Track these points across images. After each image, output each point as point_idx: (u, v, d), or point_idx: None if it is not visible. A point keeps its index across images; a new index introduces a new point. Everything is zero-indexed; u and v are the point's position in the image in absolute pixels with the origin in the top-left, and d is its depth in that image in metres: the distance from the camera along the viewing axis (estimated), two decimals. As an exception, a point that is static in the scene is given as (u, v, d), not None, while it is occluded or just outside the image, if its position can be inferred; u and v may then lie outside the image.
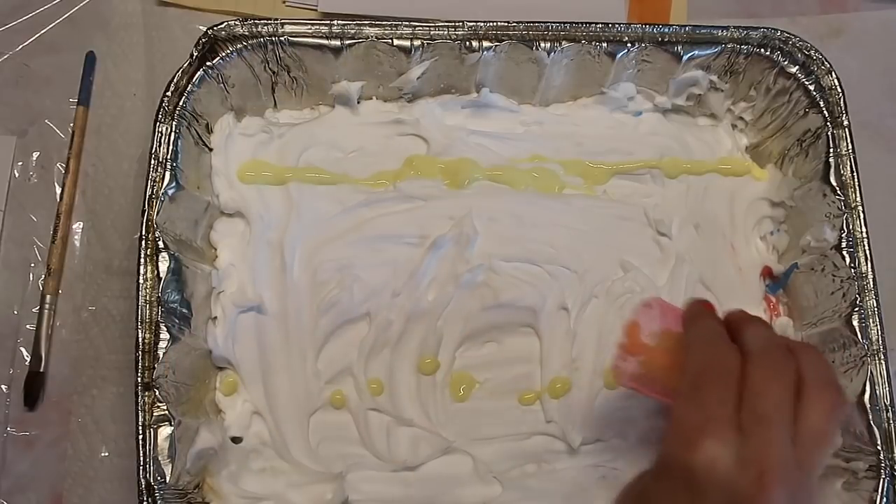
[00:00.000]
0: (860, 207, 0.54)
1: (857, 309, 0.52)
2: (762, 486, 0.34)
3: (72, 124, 0.61)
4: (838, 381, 0.39)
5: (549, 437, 0.54)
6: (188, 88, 0.52)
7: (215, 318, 0.53)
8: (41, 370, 0.55)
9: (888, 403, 0.51)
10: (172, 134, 0.52)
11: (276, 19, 0.54)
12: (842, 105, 0.56)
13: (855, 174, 0.55)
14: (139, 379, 0.48)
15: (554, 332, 0.55)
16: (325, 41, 0.54)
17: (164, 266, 0.50)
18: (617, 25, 0.56)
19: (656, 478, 0.37)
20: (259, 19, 0.54)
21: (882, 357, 0.52)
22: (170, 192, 0.51)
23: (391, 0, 0.62)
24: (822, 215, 0.55)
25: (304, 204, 0.56)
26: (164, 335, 0.49)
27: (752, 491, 0.34)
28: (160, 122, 0.52)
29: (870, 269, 0.53)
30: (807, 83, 0.56)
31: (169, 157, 0.51)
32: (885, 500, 0.49)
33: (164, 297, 0.49)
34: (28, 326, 0.57)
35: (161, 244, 0.50)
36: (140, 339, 0.48)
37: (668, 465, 0.36)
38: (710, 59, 0.57)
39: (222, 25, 0.54)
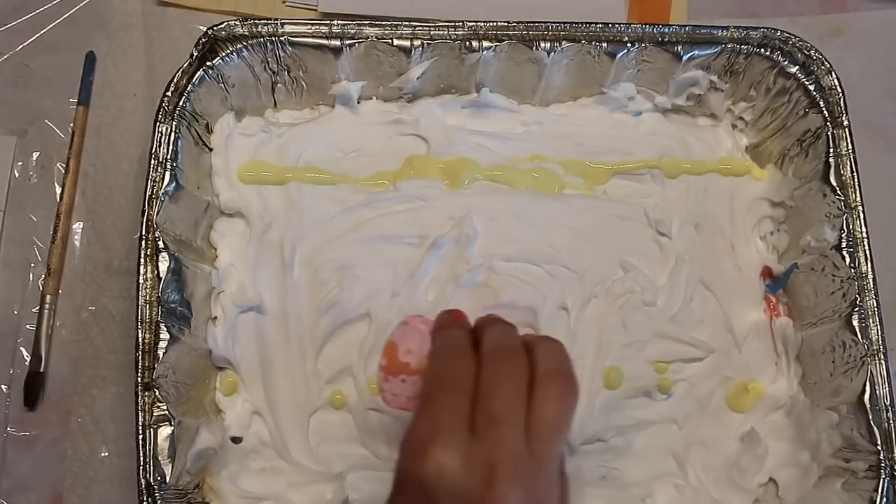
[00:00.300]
0: (860, 207, 0.54)
1: (857, 309, 0.52)
2: (491, 484, 0.34)
3: (72, 124, 0.61)
4: (570, 368, 0.39)
5: (549, 437, 0.54)
6: (188, 88, 0.52)
7: (215, 318, 0.53)
8: (41, 370, 0.55)
9: (888, 403, 0.51)
10: (172, 134, 0.52)
11: (276, 19, 0.54)
12: (842, 105, 0.56)
13: (855, 174, 0.55)
14: (139, 379, 0.48)
15: (554, 332, 0.55)
16: (325, 41, 0.54)
17: (164, 266, 0.50)
18: (617, 25, 0.56)
19: (394, 496, 0.36)
20: (259, 19, 0.54)
21: (882, 357, 0.52)
22: (170, 192, 0.51)
23: (391, 0, 0.63)
24: (822, 215, 0.55)
25: (304, 204, 0.56)
26: (164, 335, 0.49)
27: (482, 490, 0.34)
28: (160, 122, 0.52)
29: (870, 269, 0.53)
30: (807, 83, 0.56)
31: (169, 157, 0.51)
32: (885, 500, 0.49)
33: (164, 297, 0.49)
34: (28, 326, 0.57)
35: (161, 244, 0.50)
36: (140, 339, 0.48)
37: (402, 481, 0.36)
38: (710, 59, 0.57)
39: (222, 25, 0.54)
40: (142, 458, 0.47)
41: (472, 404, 0.37)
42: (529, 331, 0.55)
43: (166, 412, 0.48)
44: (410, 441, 0.36)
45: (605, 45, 0.56)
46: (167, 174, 0.51)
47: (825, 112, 0.56)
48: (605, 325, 0.56)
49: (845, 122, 0.56)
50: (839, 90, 0.56)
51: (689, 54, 0.57)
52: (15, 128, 0.61)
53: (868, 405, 0.51)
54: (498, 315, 0.43)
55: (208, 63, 0.53)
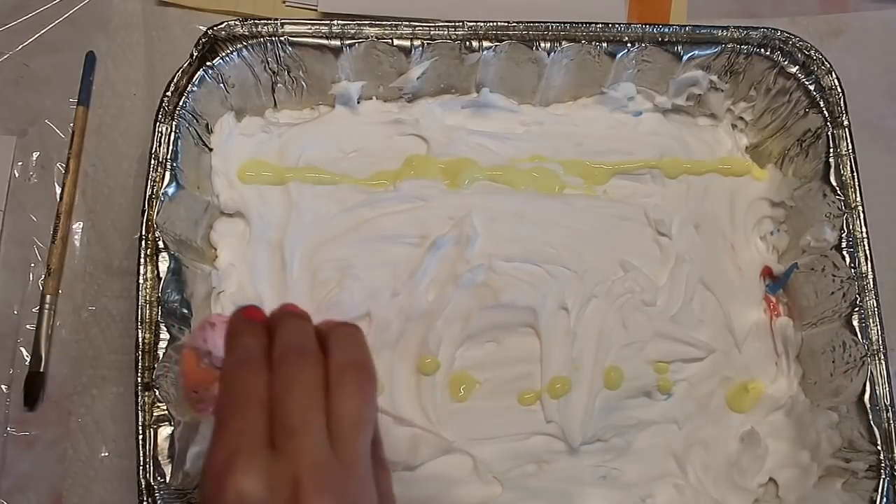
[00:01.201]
0: (860, 207, 0.54)
1: (857, 309, 0.52)
2: (298, 499, 0.32)
3: (72, 124, 0.61)
4: (364, 355, 0.37)
5: (549, 437, 0.54)
6: (188, 88, 0.52)
7: (215, 318, 0.53)
8: (41, 370, 0.55)
9: (888, 403, 0.51)
10: (172, 134, 0.52)
11: (276, 19, 0.54)
12: (842, 105, 0.56)
13: (855, 174, 0.55)
14: (139, 379, 0.48)
15: (554, 332, 0.55)
16: (325, 41, 0.54)
17: (164, 266, 0.50)
18: (617, 25, 0.56)
19: None
20: (259, 19, 0.54)
21: (882, 357, 0.52)
22: (170, 192, 0.51)
23: (391, 0, 0.62)
24: (822, 215, 0.55)
25: (304, 204, 0.56)
26: (164, 335, 0.49)
27: None
28: (160, 122, 0.52)
29: (870, 269, 0.53)
30: (807, 83, 0.56)
31: (169, 157, 0.51)
32: (885, 500, 0.49)
33: (164, 297, 0.49)
34: (28, 326, 0.57)
35: (161, 244, 0.50)
36: (140, 339, 0.48)
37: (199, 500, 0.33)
38: (710, 59, 0.57)
39: (222, 25, 0.54)
40: (142, 458, 0.47)
41: (268, 418, 0.34)
42: (530, 331, 0.55)
43: (166, 412, 0.48)
44: (207, 471, 0.33)
45: (605, 45, 0.56)
46: (167, 174, 0.51)
47: (825, 112, 0.56)
48: (605, 325, 0.56)
49: (845, 122, 0.56)
50: (839, 90, 0.56)
51: (689, 54, 0.57)
52: (15, 128, 0.61)
53: (868, 405, 0.51)
54: (293, 305, 0.40)
55: (208, 63, 0.53)
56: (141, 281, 0.49)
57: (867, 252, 0.54)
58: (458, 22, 0.55)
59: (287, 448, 0.33)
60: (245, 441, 0.33)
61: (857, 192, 0.55)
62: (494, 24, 0.55)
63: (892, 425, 0.51)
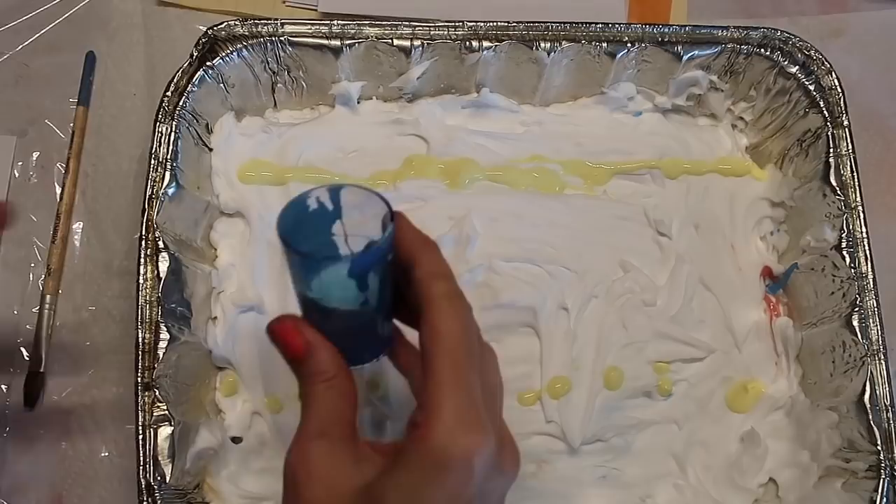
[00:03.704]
0: (860, 207, 0.54)
1: (857, 309, 0.52)
2: (515, 461, 0.36)
3: (72, 124, 0.61)
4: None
5: (549, 437, 0.54)
6: (188, 88, 0.52)
7: (215, 318, 0.53)
8: (41, 370, 0.55)
9: (888, 403, 0.51)
10: (172, 134, 0.52)
11: (276, 19, 0.54)
12: (842, 105, 0.56)
13: (855, 174, 0.55)
14: (139, 379, 0.48)
15: (554, 332, 0.55)
16: (325, 41, 0.54)
17: (164, 266, 0.50)
18: (617, 25, 0.56)
19: (431, 478, 0.33)
20: (259, 19, 0.54)
21: (882, 357, 0.52)
22: (170, 192, 0.51)
23: (391, 0, 0.63)
24: (822, 215, 0.55)
25: (304, 204, 0.56)
26: (164, 335, 0.49)
27: (510, 466, 0.36)
28: (160, 122, 0.52)
29: (870, 269, 0.53)
30: (807, 83, 0.56)
31: (169, 157, 0.51)
32: (885, 500, 0.49)
33: (164, 297, 0.49)
34: (28, 326, 0.57)
35: (161, 244, 0.50)
36: (140, 339, 0.48)
37: (448, 464, 0.33)
38: (710, 59, 0.57)
39: (222, 25, 0.54)
40: (142, 458, 0.47)
41: None
42: (530, 331, 0.55)
43: (166, 412, 0.48)
44: (452, 417, 0.33)
45: (605, 45, 0.56)
46: (167, 174, 0.51)
47: (825, 112, 0.56)
48: (605, 325, 0.56)
49: (845, 122, 0.56)
50: (839, 90, 0.56)
51: (689, 54, 0.57)
52: (15, 128, 0.61)
53: (868, 405, 0.51)
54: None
55: (208, 63, 0.53)
56: (141, 281, 0.49)
57: (867, 252, 0.54)
58: (458, 22, 0.55)
59: (492, 410, 0.36)
60: (479, 392, 0.35)
61: (857, 192, 0.55)
62: (494, 24, 0.55)
63: (892, 425, 0.51)
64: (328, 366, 0.38)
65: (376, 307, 0.38)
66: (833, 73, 0.56)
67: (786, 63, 0.57)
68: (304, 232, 0.37)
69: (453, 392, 0.34)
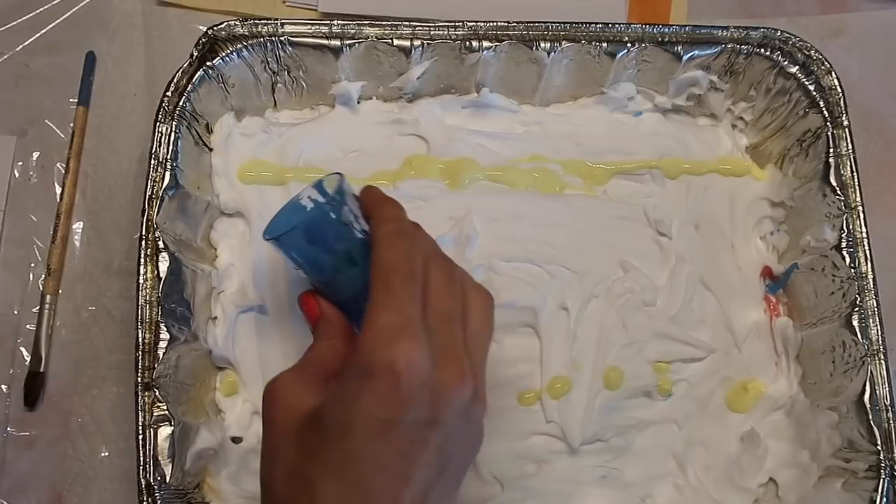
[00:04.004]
0: (860, 207, 0.54)
1: (857, 309, 0.52)
2: (460, 376, 0.37)
3: (72, 124, 0.61)
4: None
5: (549, 437, 0.54)
6: (188, 88, 0.52)
7: (215, 318, 0.53)
8: (41, 370, 0.55)
9: (888, 403, 0.51)
10: (172, 134, 0.52)
11: (276, 19, 0.54)
12: (842, 105, 0.56)
13: (855, 174, 0.55)
14: (139, 379, 0.48)
15: (554, 332, 0.55)
16: (325, 41, 0.54)
17: (164, 266, 0.50)
18: (617, 25, 0.56)
19: (357, 385, 0.36)
20: (259, 19, 0.54)
21: (882, 357, 0.52)
22: (170, 192, 0.51)
23: (391, 0, 0.63)
24: (822, 215, 0.55)
25: (304, 204, 0.56)
26: (164, 335, 0.49)
27: (452, 382, 0.36)
28: (160, 122, 0.52)
29: (870, 269, 0.53)
30: (807, 83, 0.56)
31: (169, 157, 0.51)
32: (885, 500, 0.49)
33: (164, 297, 0.49)
34: (28, 326, 0.57)
35: (161, 244, 0.50)
36: (140, 339, 0.48)
37: (373, 372, 0.35)
38: (710, 59, 0.57)
39: (222, 25, 0.54)
40: (142, 458, 0.47)
41: (423, 298, 0.38)
42: (530, 331, 0.55)
43: (166, 412, 0.48)
44: (380, 330, 0.36)
45: (605, 45, 0.56)
46: (167, 174, 0.51)
47: (825, 112, 0.56)
48: (605, 325, 0.56)
49: (845, 122, 0.56)
50: (839, 90, 0.56)
51: (689, 54, 0.57)
52: (15, 128, 0.61)
53: (868, 405, 0.51)
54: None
55: (208, 63, 0.53)
56: (141, 281, 0.49)
57: (867, 252, 0.54)
58: (458, 22, 0.55)
59: (442, 331, 0.37)
60: (413, 310, 0.37)
61: (857, 192, 0.55)
62: (494, 24, 0.55)
63: (892, 425, 0.51)
64: (331, 328, 0.43)
65: (352, 273, 0.43)
66: (833, 73, 0.56)
67: (786, 63, 0.57)
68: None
69: (383, 310, 0.37)
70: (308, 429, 0.37)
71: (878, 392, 0.51)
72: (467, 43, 0.55)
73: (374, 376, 0.35)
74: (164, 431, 0.47)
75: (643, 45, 0.56)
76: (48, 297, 0.57)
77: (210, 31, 0.53)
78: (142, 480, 0.47)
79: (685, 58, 0.57)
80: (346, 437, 0.35)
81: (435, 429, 0.36)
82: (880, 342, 0.52)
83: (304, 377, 0.40)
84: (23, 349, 0.56)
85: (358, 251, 0.44)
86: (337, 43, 0.54)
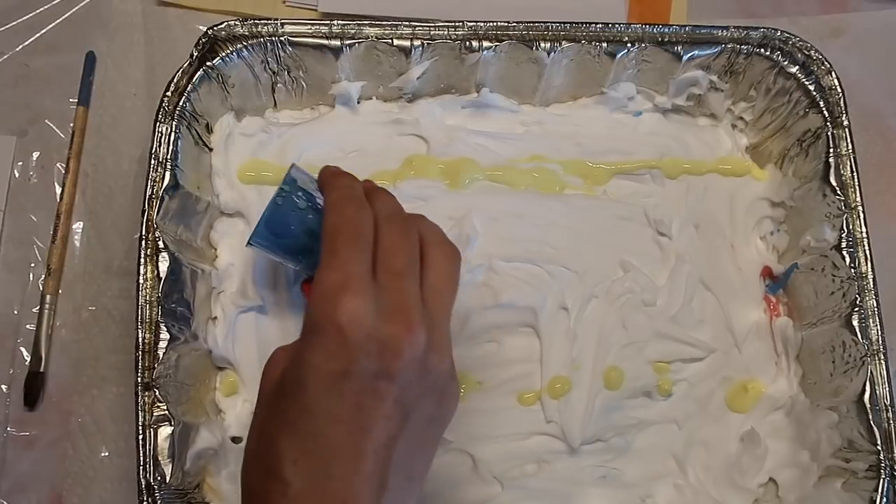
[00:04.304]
0: (860, 207, 0.54)
1: (857, 309, 0.52)
2: (408, 327, 0.37)
3: (72, 124, 0.61)
4: (450, 240, 0.43)
5: (549, 437, 0.54)
6: (188, 88, 0.52)
7: (215, 318, 0.53)
8: (41, 370, 0.55)
9: (888, 403, 0.51)
10: (172, 134, 0.52)
11: (276, 19, 0.54)
12: (842, 105, 0.56)
13: (855, 174, 0.55)
14: (139, 379, 0.48)
15: (554, 332, 0.55)
16: (325, 41, 0.54)
17: (164, 266, 0.50)
18: (617, 25, 0.56)
19: (307, 343, 0.37)
20: (259, 19, 0.54)
21: (882, 357, 0.52)
22: (170, 192, 0.51)
23: (391, 0, 0.62)
24: (822, 215, 0.55)
25: (304, 204, 0.56)
26: (164, 335, 0.49)
27: (399, 332, 0.37)
28: (160, 122, 0.52)
29: (870, 269, 0.53)
30: (807, 83, 0.56)
31: (169, 157, 0.51)
32: (885, 500, 0.49)
33: (164, 297, 0.49)
34: (28, 326, 0.57)
35: (161, 244, 0.50)
36: (140, 339, 0.48)
37: (318, 328, 0.37)
38: (710, 59, 0.57)
39: (222, 25, 0.54)
40: (142, 458, 0.47)
41: (372, 256, 0.39)
42: (530, 331, 0.55)
43: (166, 412, 0.48)
44: (323, 288, 0.37)
45: (605, 45, 0.56)
46: (167, 174, 0.51)
47: (825, 112, 0.56)
48: (606, 325, 0.56)
49: (845, 122, 0.56)
50: (839, 90, 0.56)
51: (689, 54, 0.57)
52: (15, 128, 0.61)
53: (868, 405, 0.51)
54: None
55: (208, 63, 0.53)
56: (141, 281, 0.49)
57: (867, 252, 0.54)
58: (458, 22, 0.55)
59: (392, 286, 0.38)
60: (358, 268, 0.38)
61: (857, 192, 0.55)
62: (494, 24, 0.55)
63: (892, 425, 0.51)
64: None
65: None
66: (833, 73, 0.56)
67: (786, 63, 0.57)
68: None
69: (327, 270, 0.38)
70: (273, 391, 0.39)
71: (878, 392, 0.51)
72: (467, 43, 0.55)
73: (320, 332, 0.37)
74: (164, 431, 0.47)
75: (643, 45, 0.56)
76: (48, 297, 0.57)
77: (210, 31, 0.53)
78: (142, 480, 0.47)
79: (685, 58, 0.57)
80: (300, 393, 0.37)
81: (387, 380, 0.37)
82: (880, 342, 0.52)
83: (290, 348, 0.41)
84: (23, 349, 0.56)
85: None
86: (337, 43, 0.54)
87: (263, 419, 0.39)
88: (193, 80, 0.53)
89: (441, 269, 0.41)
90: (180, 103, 0.52)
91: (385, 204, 0.43)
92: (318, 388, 0.36)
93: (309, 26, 0.54)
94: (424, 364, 0.38)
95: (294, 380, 0.37)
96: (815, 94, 0.56)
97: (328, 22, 0.55)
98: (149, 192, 0.50)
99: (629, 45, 0.56)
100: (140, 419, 0.47)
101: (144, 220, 0.50)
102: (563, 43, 0.56)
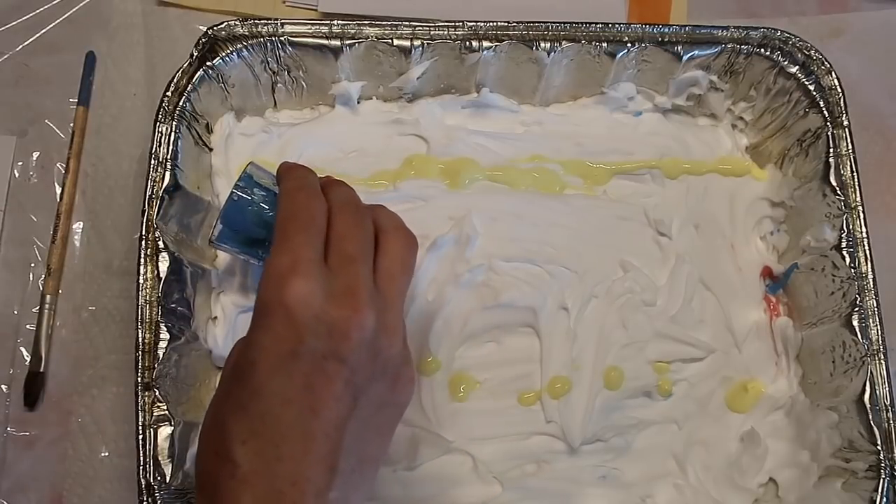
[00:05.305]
0: (860, 207, 0.54)
1: (857, 309, 0.52)
2: (356, 309, 0.37)
3: (72, 124, 0.61)
4: (407, 228, 0.44)
5: (549, 437, 0.54)
6: (188, 88, 0.52)
7: (215, 318, 0.53)
8: (41, 370, 0.55)
9: (888, 403, 0.51)
10: (172, 134, 0.52)
11: (276, 19, 0.54)
12: (842, 105, 0.56)
13: (855, 174, 0.55)
14: (139, 379, 0.48)
15: (554, 332, 0.55)
16: (325, 41, 0.54)
17: (164, 266, 0.50)
18: (617, 25, 0.56)
19: (256, 326, 0.38)
20: (259, 19, 0.54)
21: (882, 357, 0.52)
22: (170, 192, 0.51)
23: (391, 0, 0.62)
24: (822, 215, 0.55)
25: (304, 204, 0.56)
26: (164, 335, 0.49)
27: (347, 314, 0.37)
28: (160, 122, 0.52)
29: (870, 269, 0.53)
30: (807, 83, 0.56)
31: (169, 157, 0.51)
32: (885, 500, 0.49)
33: (164, 297, 0.49)
34: (28, 326, 0.57)
35: (161, 244, 0.50)
36: (140, 339, 0.48)
37: (266, 310, 0.37)
38: (710, 59, 0.57)
39: (222, 25, 0.54)
40: (142, 458, 0.47)
41: (323, 243, 0.40)
42: (530, 331, 0.55)
43: (166, 412, 0.48)
44: (272, 272, 0.38)
45: (605, 45, 0.56)
46: (167, 174, 0.51)
47: (825, 112, 0.56)
48: (605, 325, 0.56)
49: (845, 122, 0.56)
50: (839, 90, 0.56)
51: (689, 54, 0.57)
52: (15, 128, 0.61)
53: (868, 405, 0.51)
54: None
55: (208, 63, 0.53)
56: (141, 281, 0.49)
57: (867, 252, 0.54)
58: (458, 22, 0.55)
59: (343, 271, 0.39)
60: (308, 253, 0.38)
61: (857, 192, 0.55)
62: (494, 24, 0.55)
63: (892, 425, 0.51)
64: None
65: None
66: (833, 73, 0.56)
67: (786, 63, 0.57)
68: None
69: (277, 254, 0.38)
70: (227, 376, 0.39)
71: (878, 392, 0.51)
72: (467, 43, 0.55)
73: (269, 314, 0.37)
74: (164, 431, 0.47)
75: (643, 45, 0.56)
76: (48, 297, 0.57)
77: (210, 31, 0.53)
78: (142, 480, 0.47)
79: (685, 58, 0.57)
80: (250, 375, 0.37)
81: (337, 361, 0.37)
82: (880, 342, 0.52)
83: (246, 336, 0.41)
84: (23, 349, 0.56)
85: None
86: (337, 43, 0.54)
87: (216, 405, 0.39)
88: (193, 80, 0.53)
89: (395, 254, 0.42)
90: (180, 103, 0.52)
91: (339, 193, 0.43)
92: (267, 368, 0.37)
93: (309, 26, 0.54)
94: (374, 346, 0.38)
95: (245, 363, 0.38)
96: (815, 94, 0.56)
97: (328, 22, 0.55)
98: (149, 192, 0.50)
99: (629, 45, 0.56)
100: (140, 419, 0.47)
101: (144, 220, 0.50)
102: (563, 43, 0.56)
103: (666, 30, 0.56)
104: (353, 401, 0.38)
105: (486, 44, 0.55)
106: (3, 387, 0.56)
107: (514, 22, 0.56)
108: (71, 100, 0.61)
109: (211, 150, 0.55)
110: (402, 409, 0.42)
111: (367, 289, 0.39)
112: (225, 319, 0.53)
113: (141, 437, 0.47)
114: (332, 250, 0.39)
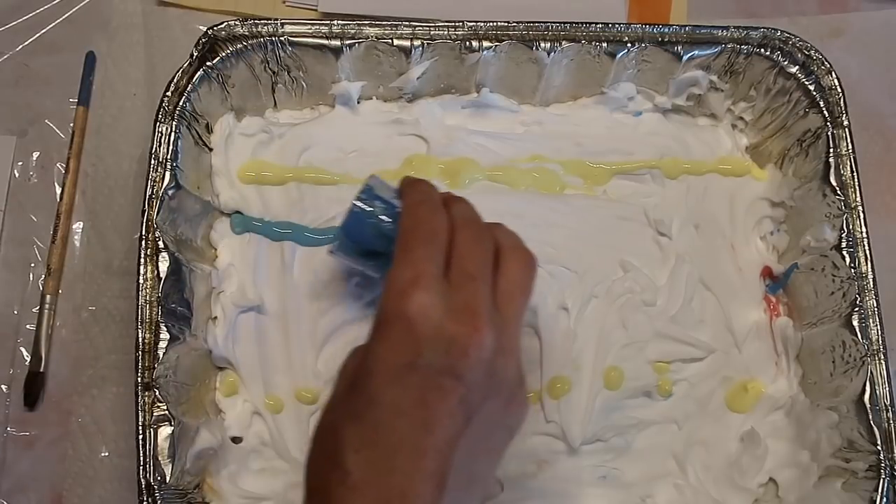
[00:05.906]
0: (860, 207, 0.54)
1: (857, 309, 0.52)
2: (476, 328, 0.37)
3: (72, 124, 0.61)
4: (527, 248, 0.43)
5: (549, 437, 0.54)
6: (188, 88, 0.52)
7: (215, 318, 0.53)
8: (41, 370, 0.55)
9: (888, 403, 0.51)
10: (172, 134, 0.52)
11: (276, 19, 0.54)
12: (842, 105, 0.56)
13: (855, 174, 0.55)
14: (139, 379, 0.48)
15: (554, 332, 0.55)
16: (325, 41, 0.54)
17: (164, 266, 0.50)
18: (617, 25, 0.56)
19: (376, 336, 0.38)
20: (259, 19, 0.54)
21: (882, 357, 0.52)
22: (170, 192, 0.51)
23: (391, 0, 0.63)
24: (822, 215, 0.55)
25: (304, 204, 0.56)
26: (164, 335, 0.49)
27: (467, 332, 0.37)
28: (160, 122, 0.52)
29: (870, 269, 0.53)
30: (807, 83, 0.56)
31: (169, 157, 0.51)
32: (885, 500, 0.49)
33: (164, 297, 0.49)
34: (28, 326, 0.57)
35: (161, 244, 0.50)
36: (140, 339, 0.48)
37: (387, 321, 0.37)
38: (710, 59, 0.57)
39: (222, 25, 0.54)
40: (142, 458, 0.47)
41: (446, 258, 0.40)
42: (530, 331, 0.55)
43: (166, 412, 0.48)
44: (394, 284, 0.38)
45: (605, 45, 0.56)
46: (167, 174, 0.51)
47: (825, 112, 0.56)
48: (606, 325, 0.56)
49: (845, 122, 0.56)
50: (839, 90, 0.56)
51: (689, 54, 0.57)
52: (15, 128, 0.61)
53: (868, 405, 0.51)
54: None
55: (208, 63, 0.53)
56: (141, 281, 0.49)
57: (867, 252, 0.54)
58: (458, 22, 0.55)
59: (464, 288, 0.39)
60: (430, 267, 0.38)
61: (857, 192, 0.55)
62: (494, 24, 0.55)
63: (892, 425, 0.51)
64: None
65: None
66: (833, 73, 0.56)
67: (786, 63, 0.57)
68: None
69: (399, 267, 0.39)
70: (344, 386, 0.39)
71: (878, 392, 0.51)
72: (467, 43, 0.55)
73: (389, 325, 0.37)
74: (164, 431, 0.47)
75: (643, 45, 0.56)
76: (48, 297, 0.57)
77: (210, 31, 0.53)
78: (142, 480, 0.47)
79: (685, 58, 0.57)
80: (366, 384, 0.37)
81: (453, 378, 0.37)
82: (880, 342, 0.52)
83: (364, 345, 0.41)
84: (23, 349, 0.56)
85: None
86: (337, 43, 0.54)
87: (328, 412, 0.39)
88: (193, 80, 0.53)
89: (515, 274, 0.41)
90: (180, 103, 0.52)
91: (461, 209, 0.43)
92: (384, 378, 0.37)
93: (309, 26, 0.55)
94: (491, 366, 0.38)
95: (361, 372, 0.38)
96: (815, 94, 0.56)
97: (328, 22, 0.55)
98: (149, 192, 0.50)
99: (629, 45, 0.56)
100: (140, 419, 0.47)
101: (144, 220, 0.50)
102: (563, 43, 0.56)
103: (666, 30, 0.56)
104: (466, 420, 0.37)
105: (486, 44, 0.55)
106: (3, 387, 0.56)
107: (514, 22, 0.56)
108: (71, 100, 0.61)
109: (211, 150, 0.55)
110: (514, 432, 0.41)
111: (487, 307, 0.38)
112: (225, 319, 0.53)
113: (141, 437, 0.47)
114: (453, 266, 0.39)
